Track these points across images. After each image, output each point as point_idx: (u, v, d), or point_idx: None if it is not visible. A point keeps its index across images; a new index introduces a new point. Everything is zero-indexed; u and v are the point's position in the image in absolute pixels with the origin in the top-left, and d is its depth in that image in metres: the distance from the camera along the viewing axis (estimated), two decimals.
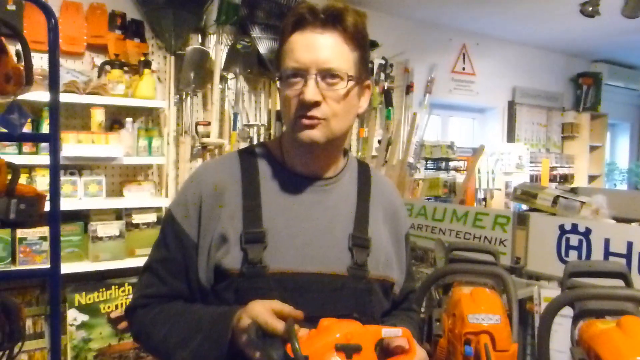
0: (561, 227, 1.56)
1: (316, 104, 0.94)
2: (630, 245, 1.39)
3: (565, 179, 6.03)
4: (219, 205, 0.99)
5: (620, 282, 1.02)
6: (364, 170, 1.12)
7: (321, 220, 1.01)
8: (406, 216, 1.17)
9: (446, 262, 1.28)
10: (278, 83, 1.00)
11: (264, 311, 0.84)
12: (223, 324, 0.89)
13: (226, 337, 0.87)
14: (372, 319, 0.96)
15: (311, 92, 0.93)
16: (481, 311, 1.06)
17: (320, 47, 0.94)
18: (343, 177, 1.07)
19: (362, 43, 0.99)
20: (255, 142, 3.62)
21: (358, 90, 1.00)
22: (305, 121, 0.95)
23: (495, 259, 1.27)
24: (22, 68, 1.66)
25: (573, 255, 1.53)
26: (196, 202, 1.01)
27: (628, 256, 1.39)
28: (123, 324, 3.01)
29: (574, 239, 1.53)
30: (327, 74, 0.94)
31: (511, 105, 5.84)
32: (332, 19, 0.95)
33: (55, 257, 1.73)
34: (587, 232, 1.49)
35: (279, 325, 0.81)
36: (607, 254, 1.45)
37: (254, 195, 1.00)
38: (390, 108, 4.47)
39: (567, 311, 1.06)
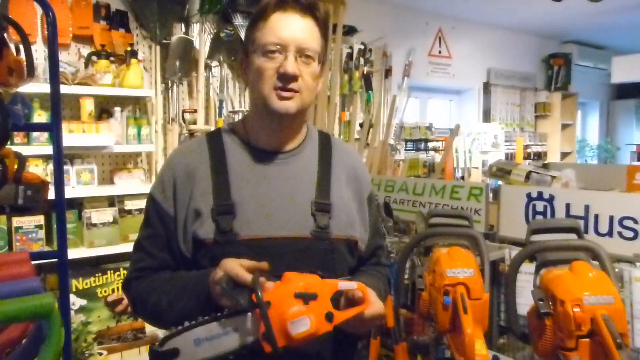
0: (528, 195, 1.73)
1: (294, 78, 1.06)
2: (587, 207, 1.57)
3: (539, 156, 6.27)
4: (191, 182, 1.11)
5: (574, 236, 1.18)
6: (324, 140, 1.24)
7: (285, 189, 1.12)
8: (368, 179, 1.28)
9: (426, 227, 1.43)
10: (253, 56, 1.08)
11: (235, 265, 0.96)
12: (203, 282, 1.02)
13: (204, 297, 1.00)
14: (335, 275, 1.07)
15: (292, 66, 1.05)
16: (457, 266, 1.22)
17: (300, 29, 1.07)
18: (304, 148, 1.19)
19: (326, 32, 1.14)
20: None
21: (320, 70, 1.14)
22: (284, 93, 1.06)
23: (470, 223, 1.42)
24: (22, 61, 1.75)
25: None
26: (171, 183, 1.13)
27: (586, 217, 1.57)
28: (120, 307, 3.12)
29: (539, 206, 1.70)
30: (304, 53, 1.06)
31: (486, 87, 6.03)
32: (308, 6, 1.08)
33: (62, 240, 1.84)
34: (551, 199, 1.66)
35: (246, 276, 0.94)
36: (568, 216, 1.62)
37: (221, 172, 1.11)
38: (370, 92, 4.59)
39: (532, 269, 1.22)
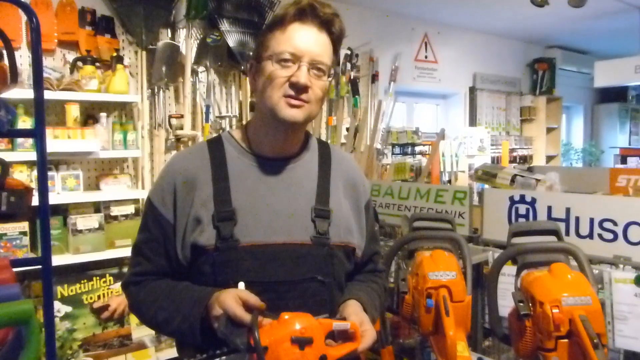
0: (511, 198, 1.75)
1: (306, 88, 1.07)
2: (568, 210, 1.59)
3: (524, 159, 6.34)
4: (191, 190, 1.12)
5: (554, 239, 1.20)
6: (324, 149, 1.25)
7: (285, 196, 1.14)
8: (366, 188, 1.30)
9: (410, 231, 1.45)
10: (266, 62, 1.09)
11: (233, 303, 0.96)
12: (196, 311, 1.03)
13: (197, 323, 1.02)
14: (334, 280, 1.12)
15: (305, 77, 1.06)
16: (440, 269, 1.24)
17: (316, 42, 1.09)
18: (304, 156, 1.20)
19: (338, 48, 1.16)
20: None
21: (328, 87, 1.16)
22: (293, 101, 1.07)
23: (452, 227, 1.44)
24: (5, 66, 1.74)
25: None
26: (171, 189, 1.13)
27: (567, 220, 1.59)
28: (106, 314, 3.10)
29: (522, 208, 1.72)
30: (316, 66, 1.08)
31: (472, 91, 6.08)
32: (326, 22, 1.10)
33: (46, 246, 1.82)
34: (533, 202, 1.69)
35: (245, 317, 0.94)
36: (550, 219, 1.64)
37: (222, 179, 1.12)
38: (357, 96, 4.61)
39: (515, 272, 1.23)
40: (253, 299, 0.97)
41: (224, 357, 0.95)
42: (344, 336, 1.02)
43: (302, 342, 0.92)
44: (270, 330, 0.93)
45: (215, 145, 1.18)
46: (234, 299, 0.96)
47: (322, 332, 0.96)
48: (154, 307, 1.10)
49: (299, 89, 1.07)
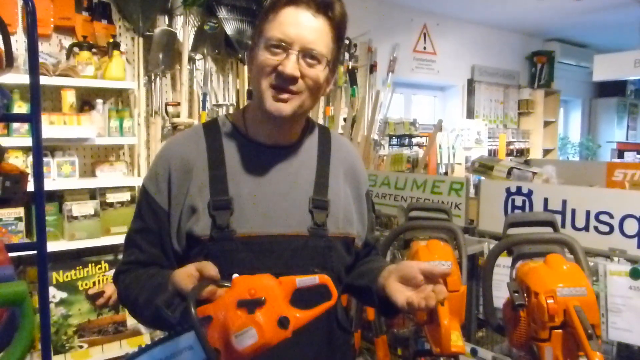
0: (507, 189, 1.75)
1: (293, 79, 1.00)
2: (564, 202, 1.59)
3: (521, 153, 6.35)
4: (187, 177, 1.06)
5: (550, 230, 1.20)
6: (324, 135, 1.20)
7: (283, 185, 1.09)
8: (365, 175, 1.26)
9: (406, 221, 1.45)
10: (258, 48, 1.03)
11: (183, 277, 0.89)
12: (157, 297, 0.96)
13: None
14: (332, 272, 1.07)
15: (291, 67, 0.98)
16: (435, 259, 1.24)
17: (309, 28, 1.00)
18: (303, 143, 1.16)
19: (341, 33, 1.07)
20: None
21: (328, 75, 1.08)
22: (280, 95, 1.00)
23: (449, 217, 1.44)
24: (1, 51, 1.72)
25: None
26: (165, 175, 1.08)
27: (563, 212, 1.59)
28: (101, 300, 3.10)
29: (518, 200, 1.72)
30: (309, 54, 1.00)
31: (470, 83, 6.07)
32: (324, 5, 1.02)
33: (41, 232, 1.82)
34: (529, 193, 1.69)
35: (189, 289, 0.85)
36: (546, 211, 1.65)
37: (219, 166, 1.07)
38: (354, 87, 4.60)
39: (510, 263, 1.24)
40: (208, 268, 0.88)
41: (178, 338, 0.83)
42: (324, 297, 0.89)
43: (250, 305, 0.80)
44: (219, 299, 0.83)
45: (212, 130, 1.13)
46: (185, 274, 0.89)
47: (281, 292, 0.84)
48: (137, 290, 1.05)
49: (286, 80, 0.99)
